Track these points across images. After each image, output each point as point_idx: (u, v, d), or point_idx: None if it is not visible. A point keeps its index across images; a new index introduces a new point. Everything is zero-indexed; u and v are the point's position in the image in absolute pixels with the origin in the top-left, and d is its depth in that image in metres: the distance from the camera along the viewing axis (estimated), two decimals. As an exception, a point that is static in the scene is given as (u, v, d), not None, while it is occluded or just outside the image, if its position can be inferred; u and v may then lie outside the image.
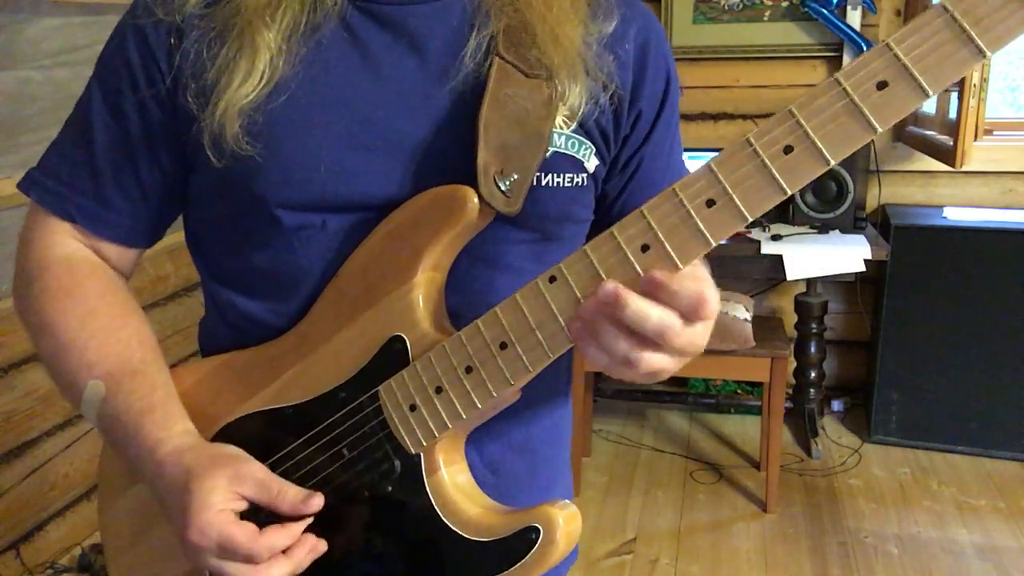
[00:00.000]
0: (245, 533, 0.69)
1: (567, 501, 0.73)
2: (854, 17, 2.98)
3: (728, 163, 0.59)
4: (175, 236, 0.88)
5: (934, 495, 2.78)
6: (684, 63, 3.21)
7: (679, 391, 3.39)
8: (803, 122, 0.56)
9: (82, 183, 0.80)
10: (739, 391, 3.35)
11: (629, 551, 2.55)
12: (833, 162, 0.57)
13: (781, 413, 2.63)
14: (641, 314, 0.60)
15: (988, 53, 0.53)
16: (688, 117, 3.26)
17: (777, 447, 2.65)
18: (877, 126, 0.55)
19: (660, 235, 0.62)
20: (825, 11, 2.98)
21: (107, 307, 0.80)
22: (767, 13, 3.10)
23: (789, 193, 0.59)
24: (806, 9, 3.02)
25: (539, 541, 0.70)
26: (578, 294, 0.65)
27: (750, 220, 0.60)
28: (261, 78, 0.71)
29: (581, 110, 0.75)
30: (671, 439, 3.20)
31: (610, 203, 0.83)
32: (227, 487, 0.71)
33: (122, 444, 0.77)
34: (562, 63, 0.73)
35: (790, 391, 3.14)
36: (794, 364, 3.09)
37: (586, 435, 3.03)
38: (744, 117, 3.22)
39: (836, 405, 3.33)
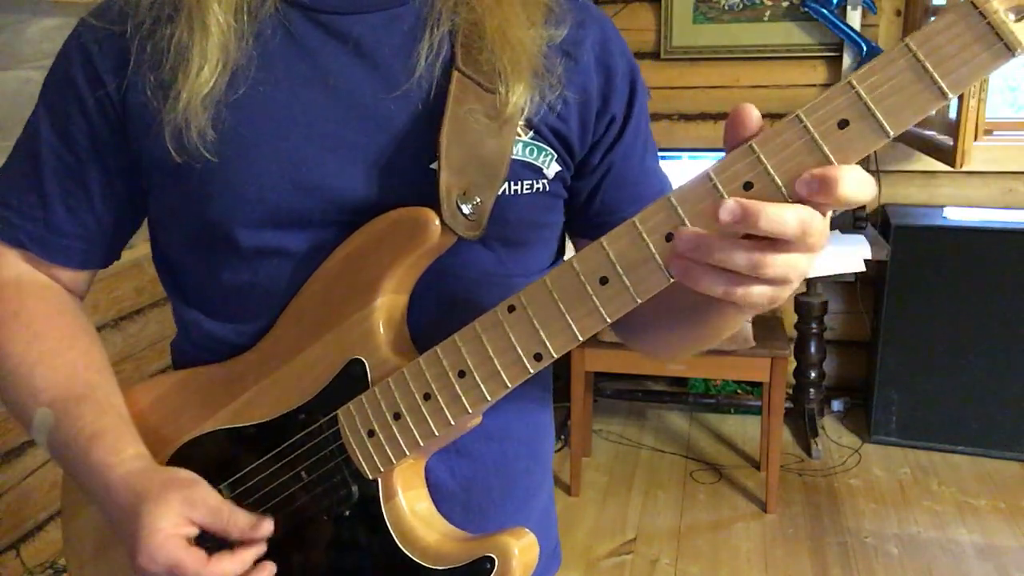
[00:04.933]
0: (194, 559, 0.69)
1: (525, 529, 0.73)
2: (854, 17, 2.97)
3: (688, 197, 0.59)
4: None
5: (934, 495, 2.77)
6: (684, 63, 3.21)
7: (679, 391, 3.39)
8: (763, 159, 0.56)
9: (31, 209, 0.79)
10: (739, 391, 3.35)
11: (629, 551, 2.55)
12: (790, 200, 0.57)
13: (781, 413, 2.63)
14: (779, 215, 0.54)
15: (950, 95, 0.52)
16: (688, 117, 3.26)
17: (777, 447, 2.64)
18: (835, 161, 0.56)
19: (619, 270, 0.62)
20: (825, 11, 2.98)
21: (54, 329, 0.80)
22: (767, 13, 3.10)
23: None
24: (806, 9, 3.01)
25: (493, 572, 0.70)
26: (537, 325, 0.65)
27: None
28: (217, 63, 0.71)
29: (528, 111, 0.73)
30: (671, 439, 3.20)
31: (584, 202, 0.82)
32: (178, 512, 0.70)
33: (73, 471, 0.77)
34: (509, 62, 0.72)
35: (790, 391, 3.14)
36: (794, 364, 3.09)
37: (586, 435, 3.03)
38: (744, 117, 3.22)
39: (836, 405, 3.33)
